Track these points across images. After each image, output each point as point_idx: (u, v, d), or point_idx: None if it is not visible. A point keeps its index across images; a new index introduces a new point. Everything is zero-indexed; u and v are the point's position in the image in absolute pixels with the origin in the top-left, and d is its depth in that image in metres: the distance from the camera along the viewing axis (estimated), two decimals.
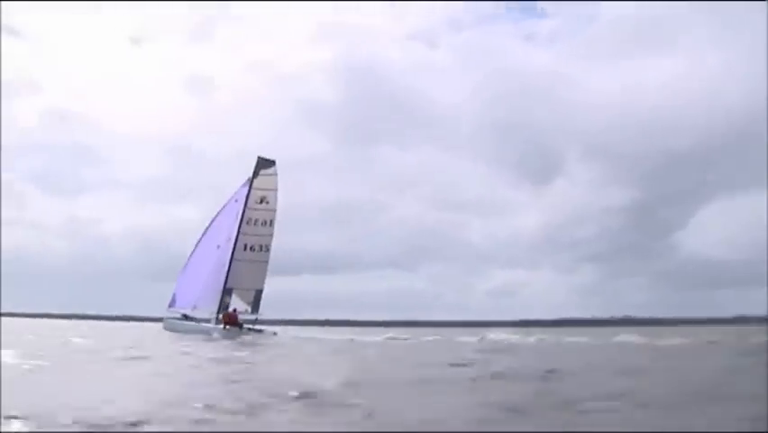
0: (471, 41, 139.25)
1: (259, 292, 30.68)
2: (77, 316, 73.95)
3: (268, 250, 31.00)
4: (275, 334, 28.79)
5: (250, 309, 30.51)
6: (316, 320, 73.58)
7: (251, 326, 29.61)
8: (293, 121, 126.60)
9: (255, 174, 31.40)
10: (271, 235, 31.01)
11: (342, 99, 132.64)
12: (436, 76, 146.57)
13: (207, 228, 31.66)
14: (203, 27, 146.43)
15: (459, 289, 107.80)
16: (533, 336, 25.97)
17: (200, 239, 31.54)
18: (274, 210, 31.15)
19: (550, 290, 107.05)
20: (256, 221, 30.97)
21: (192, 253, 31.40)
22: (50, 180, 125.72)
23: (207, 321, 29.59)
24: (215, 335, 26.46)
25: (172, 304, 30.54)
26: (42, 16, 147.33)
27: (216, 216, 31.64)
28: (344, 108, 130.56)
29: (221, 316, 29.40)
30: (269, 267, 31.03)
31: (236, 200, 31.25)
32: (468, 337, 27.33)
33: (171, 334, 27.35)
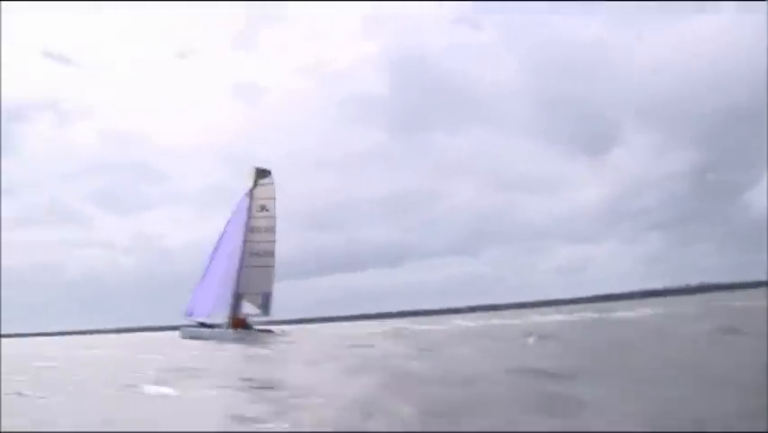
0: (515, 17, 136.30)
1: (267, 295, 32.62)
2: (144, 328, 78.39)
3: (272, 255, 32.89)
4: (283, 332, 30.66)
5: (260, 312, 32.53)
6: (382, 313, 74.26)
7: (261, 327, 31.65)
8: (345, 117, 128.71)
9: (254, 184, 33.42)
10: (274, 241, 32.90)
11: (391, 90, 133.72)
12: (483, 57, 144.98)
13: (219, 240, 33.92)
14: (246, 34, 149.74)
15: (523, 269, 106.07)
16: (634, 311, 25.93)
17: (213, 251, 33.84)
18: (274, 217, 33.04)
19: (616, 263, 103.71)
20: (259, 228, 32.93)
21: (208, 264, 33.73)
22: (113, 200, 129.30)
23: (221, 326, 31.74)
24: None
25: (190, 313, 32.88)
26: (91, 43, 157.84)
27: (225, 227, 33.86)
28: (395, 99, 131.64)
29: (231, 320, 31.55)
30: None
31: (239, 211, 33.33)
32: (554, 317, 27.85)
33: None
